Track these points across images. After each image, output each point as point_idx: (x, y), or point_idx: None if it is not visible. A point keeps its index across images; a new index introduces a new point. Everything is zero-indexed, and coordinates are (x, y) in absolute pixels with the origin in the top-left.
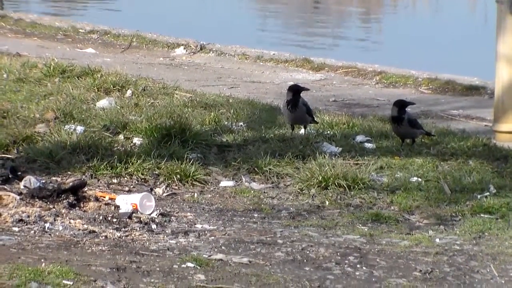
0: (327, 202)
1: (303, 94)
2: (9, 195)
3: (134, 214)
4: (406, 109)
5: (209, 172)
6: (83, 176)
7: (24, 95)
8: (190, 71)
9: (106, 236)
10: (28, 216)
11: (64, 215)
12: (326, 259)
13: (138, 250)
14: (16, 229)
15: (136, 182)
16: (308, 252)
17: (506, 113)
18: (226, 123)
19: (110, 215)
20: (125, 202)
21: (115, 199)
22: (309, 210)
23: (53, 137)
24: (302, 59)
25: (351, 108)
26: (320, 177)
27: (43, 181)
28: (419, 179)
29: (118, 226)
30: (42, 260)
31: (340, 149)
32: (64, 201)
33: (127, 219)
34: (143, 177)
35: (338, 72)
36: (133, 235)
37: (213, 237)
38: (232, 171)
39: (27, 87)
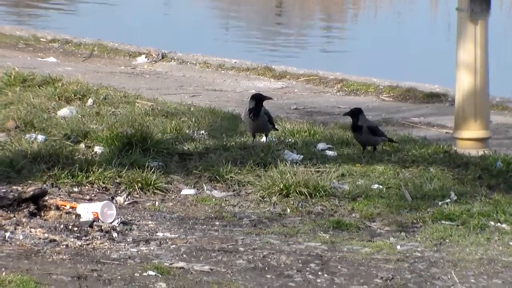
0: (288, 210)
1: (265, 103)
2: None
3: (95, 223)
4: (360, 116)
5: (170, 180)
6: (44, 185)
7: None
8: (151, 80)
9: (67, 245)
10: None
11: (25, 224)
12: (287, 266)
13: (99, 258)
14: None
15: (97, 190)
16: (269, 259)
17: (467, 120)
18: (187, 131)
19: (71, 224)
20: (86, 210)
21: (76, 207)
22: (270, 217)
23: (13, 146)
24: (263, 67)
25: (312, 116)
26: (282, 185)
27: (4, 190)
28: (380, 186)
29: (79, 234)
30: (3, 269)
31: (302, 156)
32: (24, 210)
33: (88, 228)
34: (104, 185)
35: (300, 80)
36: (94, 244)
37: (174, 245)
38: (194, 179)
39: None
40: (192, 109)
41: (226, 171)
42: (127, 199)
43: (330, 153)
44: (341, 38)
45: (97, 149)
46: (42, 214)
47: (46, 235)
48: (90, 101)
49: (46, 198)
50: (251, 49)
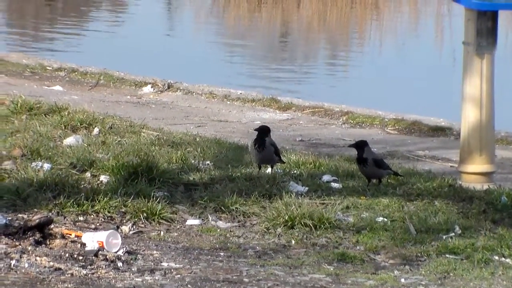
0: (293, 241)
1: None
2: None
3: (100, 252)
4: (365, 148)
5: (175, 210)
6: (50, 214)
7: None
8: (157, 110)
9: (72, 274)
10: None
11: (30, 252)
12: None
13: (104, 287)
14: None
15: (103, 219)
16: None
17: (472, 154)
18: (193, 161)
19: (76, 253)
20: (92, 239)
21: (81, 236)
22: (275, 249)
23: (20, 174)
24: (269, 98)
25: (317, 147)
26: (287, 217)
27: (9, 218)
28: (385, 219)
29: (84, 263)
30: None
31: (307, 188)
32: (30, 238)
33: (93, 257)
34: (109, 215)
35: (305, 112)
36: (99, 273)
37: (179, 276)
38: (199, 209)
39: None
40: (197, 139)
41: (231, 202)
42: (132, 229)
43: (335, 185)
44: (346, 70)
45: (103, 178)
46: (48, 242)
47: (51, 263)
48: (96, 130)
49: (52, 226)
50: (256, 80)
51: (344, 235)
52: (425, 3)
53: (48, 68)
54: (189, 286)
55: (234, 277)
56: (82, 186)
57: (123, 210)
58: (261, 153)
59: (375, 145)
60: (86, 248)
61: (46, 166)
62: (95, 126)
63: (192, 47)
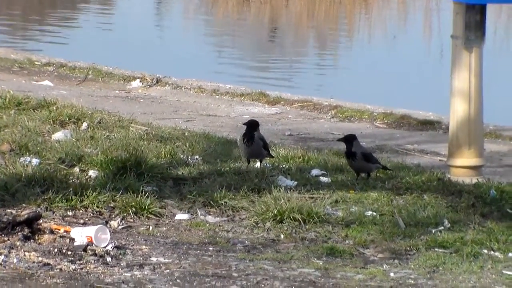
0: (282, 236)
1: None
2: None
3: (89, 247)
4: (354, 142)
5: (164, 205)
6: (38, 209)
7: None
8: (146, 104)
9: (61, 269)
10: None
11: (19, 247)
12: None
13: (93, 283)
14: None
15: (91, 214)
16: (263, 285)
17: (461, 148)
18: (181, 156)
19: (65, 248)
20: (80, 234)
21: (70, 231)
22: (264, 243)
23: (8, 169)
24: (258, 92)
25: (306, 142)
26: (275, 211)
27: None
28: (374, 213)
29: (73, 258)
30: None
31: (296, 182)
32: (19, 234)
33: (82, 252)
34: (98, 209)
35: (294, 106)
36: (88, 268)
37: (168, 270)
38: (188, 204)
39: None
40: (186, 134)
41: (220, 196)
42: (121, 224)
43: (324, 179)
44: (335, 64)
45: (92, 173)
46: (36, 237)
47: (40, 258)
48: (84, 125)
49: (40, 221)
50: (245, 74)
51: (333, 229)
52: None
53: (36, 63)
54: (178, 281)
55: (223, 272)
56: (71, 181)
57: (111, 205)
58: (250, 147)
59: (364, 139)
60: (75, 243)
61: (35, 161)
62: (84, 121)
63: (181, 42)
